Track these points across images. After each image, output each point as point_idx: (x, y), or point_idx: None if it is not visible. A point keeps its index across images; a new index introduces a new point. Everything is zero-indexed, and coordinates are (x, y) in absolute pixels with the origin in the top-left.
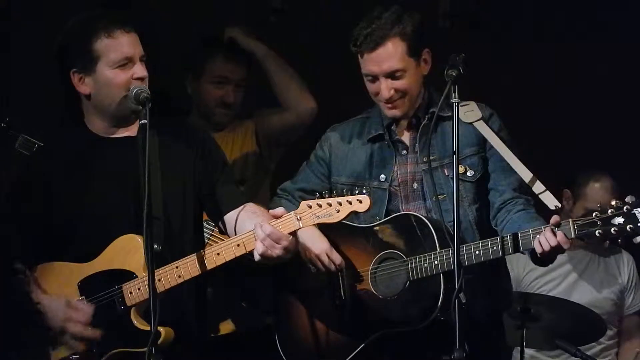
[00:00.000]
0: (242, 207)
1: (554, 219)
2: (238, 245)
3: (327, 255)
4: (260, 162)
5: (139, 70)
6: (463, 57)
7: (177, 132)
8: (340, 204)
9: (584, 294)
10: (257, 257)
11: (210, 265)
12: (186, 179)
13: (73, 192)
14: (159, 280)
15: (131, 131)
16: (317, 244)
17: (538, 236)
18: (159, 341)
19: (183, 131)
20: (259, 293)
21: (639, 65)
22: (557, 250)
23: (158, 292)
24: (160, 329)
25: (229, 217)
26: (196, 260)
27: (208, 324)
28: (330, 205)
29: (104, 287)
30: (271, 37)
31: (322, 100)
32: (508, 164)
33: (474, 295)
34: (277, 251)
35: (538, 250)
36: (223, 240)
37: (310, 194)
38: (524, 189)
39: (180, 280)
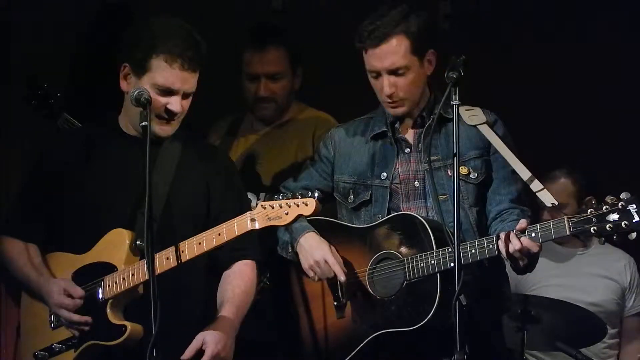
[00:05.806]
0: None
1: (520, 224)
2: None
3: (325, 262)
4: None
5: (175, 103)
6: (463, 59)
7: (203, 150)
8: (289, 206)
9: (587, 294)
10: None
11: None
12: (199, 194)
13: (81, 184)
14: (132, 275)
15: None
16: (315, 252)
17: (501, 237)
18: (124, 337)
19: (210, 152)
20: (261, 303)
21: (638, 64)
22: (525, 254)
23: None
24: (128, 324)
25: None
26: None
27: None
28: (281, 207)
29: (92, 279)
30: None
31: (323, 101)
32: (509, 172)
33: (473, 298)
34: None
35: (502, 250)
36: None
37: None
38: (522, 199)
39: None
